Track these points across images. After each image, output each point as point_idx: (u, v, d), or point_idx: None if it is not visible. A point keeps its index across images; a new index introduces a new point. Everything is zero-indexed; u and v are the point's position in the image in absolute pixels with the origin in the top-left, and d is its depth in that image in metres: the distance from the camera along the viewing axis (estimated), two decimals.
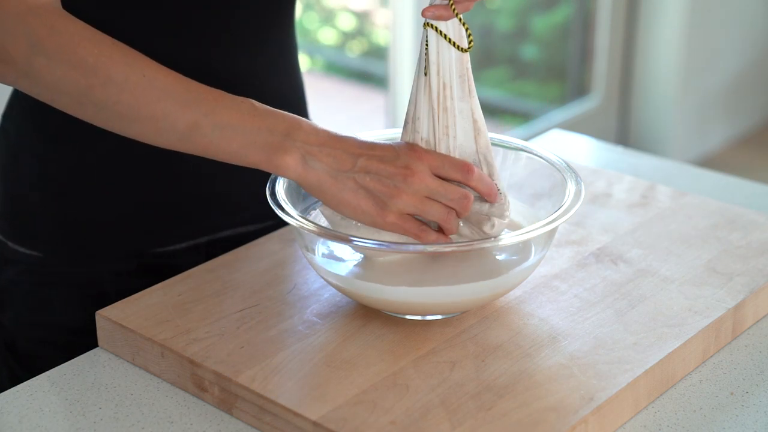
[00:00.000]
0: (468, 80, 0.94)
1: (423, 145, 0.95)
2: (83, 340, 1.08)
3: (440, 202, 0.93)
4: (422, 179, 0.91)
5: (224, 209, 1.14)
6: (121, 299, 1.03)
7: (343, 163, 0.91)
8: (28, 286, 1.12)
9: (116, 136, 1.01)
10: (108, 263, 1.11)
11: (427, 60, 0.93)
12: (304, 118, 0.93)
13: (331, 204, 0.93)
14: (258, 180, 1.10)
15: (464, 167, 0.93)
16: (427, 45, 0.93)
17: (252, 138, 0.91)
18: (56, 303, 1.12)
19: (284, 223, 1.14)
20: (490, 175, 0.95)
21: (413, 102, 0.95)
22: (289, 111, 0.95)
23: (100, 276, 1.11)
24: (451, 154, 0.94)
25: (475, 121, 0.95)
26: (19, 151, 1.10)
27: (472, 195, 0.94)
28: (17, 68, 0.92)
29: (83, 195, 1.09)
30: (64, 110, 0.94)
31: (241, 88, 0.99)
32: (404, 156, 0.92)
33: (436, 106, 0.93)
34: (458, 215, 0.94)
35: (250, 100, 0.93)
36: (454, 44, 0.92)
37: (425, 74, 0.93)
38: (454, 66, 0.93)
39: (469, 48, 0.93)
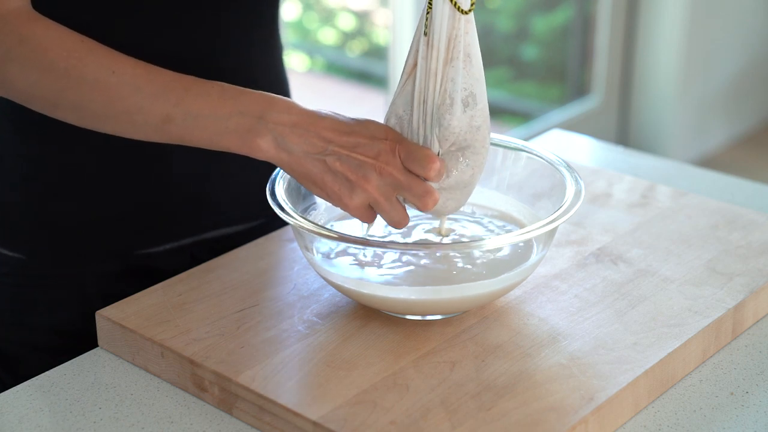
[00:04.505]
0: (456, 45, 0.89)
1: (416, 102, 0.91)
2: (67, 341, 1.08)
3: (401, 204, 0.91)
4: (390, 172, 0.90)
5: (209, 210, 1.13)
6: (104, 301, 1.03)
7: (315, 146, 0.91)
8: (11, 288, 1.11)
9: (99, 137, 1.01)
10: (91, 265, 1.10)
11: (428, 20, 0.89)
12: (278, 96, 0.92)
13: (301, 183, 0.93)
14: (243, 181, 1.10)
15: (426, 160, 0.90)
16: (430, 4, 0.89)
17: (224, 124, 0.91)
18: (39, 305, 1.11)
19: (271, 224, 1.14)
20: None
21: (412, 54, 0.91)
22: None
23: (84, 277, 1.10)
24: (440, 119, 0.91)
25: (463, 90, 0.91)
26: (0, 152, 1.10)
27: (436, 193, 0.91)
28: None
29: (66, 196, 1.08)
30: (40, 111, 0.95)
31: None
32: (377, 144, 0.90)
33: (429, 66, 0.90)
34: (421, 209, 0.92)
35: (220, 83, 0.93)
36: (455, 5, 0.88)
37: (425, 34, 0.90)
38: (445, 28, 0.89)
39: (470, 10, 0.89)
